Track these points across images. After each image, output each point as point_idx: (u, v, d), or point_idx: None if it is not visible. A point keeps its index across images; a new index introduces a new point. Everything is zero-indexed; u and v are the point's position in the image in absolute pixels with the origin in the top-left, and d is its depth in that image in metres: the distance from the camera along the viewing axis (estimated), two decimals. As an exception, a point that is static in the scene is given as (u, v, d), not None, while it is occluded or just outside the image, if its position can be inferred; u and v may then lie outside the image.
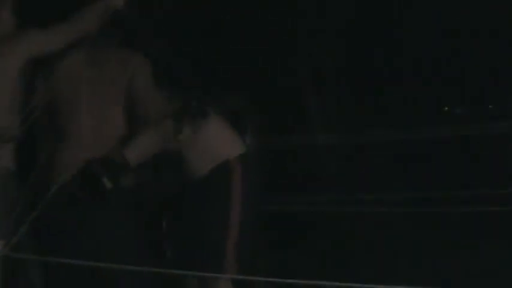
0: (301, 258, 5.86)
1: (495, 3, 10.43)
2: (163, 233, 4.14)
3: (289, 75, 11.09)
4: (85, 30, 3.32)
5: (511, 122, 9.05)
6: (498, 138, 8.73)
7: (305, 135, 10.46)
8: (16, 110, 3.30)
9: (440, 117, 12.56)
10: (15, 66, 3.27)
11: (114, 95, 3.41)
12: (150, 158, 3.53)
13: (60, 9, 3.36)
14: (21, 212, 3.20)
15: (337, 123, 10.82)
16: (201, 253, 3.67)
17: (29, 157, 3.49)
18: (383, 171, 9.75)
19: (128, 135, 3.43)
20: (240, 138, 3.94)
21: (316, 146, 10.38)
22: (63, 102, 3.42)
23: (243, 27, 10.28)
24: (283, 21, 10.78)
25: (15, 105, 3.30)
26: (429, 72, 11.88)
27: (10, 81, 3.27)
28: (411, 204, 6.29)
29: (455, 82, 12.01)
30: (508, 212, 5.36)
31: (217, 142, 3.74)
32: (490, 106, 12.87)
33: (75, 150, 3.39)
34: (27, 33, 3.32)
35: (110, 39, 3.48)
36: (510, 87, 11.25)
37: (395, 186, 7.33)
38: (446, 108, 13.18)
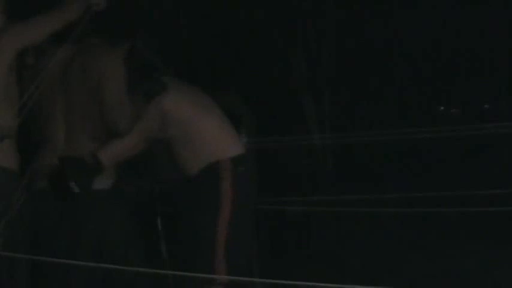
0: (299, 258, 5.85)
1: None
2: (159, 233, 4.10)
3: (287, 75, 11.09)
4: (67, 21, 3.31)
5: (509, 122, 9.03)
6: (496, 138, 8.71)
7: (303, 135, 10.44)
8: (10, 106, 3.27)
9: (437, 117, 12.57)
10: (5, 61, 3.25)
11: (86, 97, 3.37)
12: (125, 160, 3.50)
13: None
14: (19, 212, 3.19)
15: (335, 123, 10.83)
16: (192, 253, 3.64)
17: (28, 157, 3.46)
18: (381, 171, 9.76)
19: (103, 137, 3.39)
20: (236, 139, 3.90)
21: (314, 146, 10.36)
22: (42, 103, 3.40)
23: (240, 26, 10.27)
24: (281, 20, 10.78)
25: (9, 101, 3.28)
26: (426, 72, 11.89)
27: (1, 77, 3.24)
28: (409, 204, 6.27)
29: (452, 82, 12.01)
30: (508, 212, 5.33)
31: (210, 142, 3.69)
32: (486, 106, 12.89)
33: (55, 151, 3.36)
34: (13, 26, 3.30)
35: (83, 41, 3.46)
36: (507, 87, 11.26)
37: (393, 186, 7.31)
38: (442, 107, 13.20)
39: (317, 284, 2.45)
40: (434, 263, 5.49)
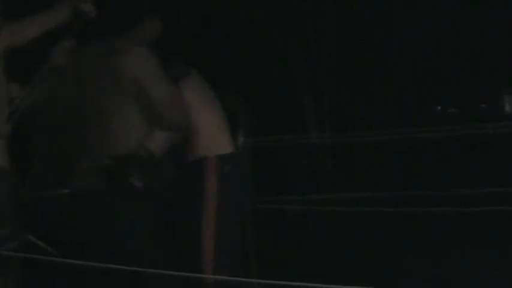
0: (298, 257, 5.84)
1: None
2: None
3: (287, 75, 11.09)
4: (54, 24, 3.29)
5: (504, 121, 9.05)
6: (495, 138, 8.72)
7: (303, 135, 10.47)
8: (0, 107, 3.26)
9: (433, 116, 12.58)
10: None
11: (118, 96, 3.34)
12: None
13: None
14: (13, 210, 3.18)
15: (335, 123, 10.83)
16: (181, 249, 3.63)
17: (21, 156, 3.45)
18: (380, 170, 9.75)
19: (144, 126, 3.35)
20: (230, 138, 3.90)
21: (314, 145, 10.38)
22: (67, 102, 3.36)
23: (240, 26, 10.27)
24: (281, 20, 10.78)
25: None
26: (425, 72, 11.89)
27: None
28: (408, 204, 6.28)
29: (450, 82, 12.02)
30: (508, 212, 5.34)
31: (203, 136, 3.68)
32: (483, 105, 12.90)
33: (87, 149, 3.32)
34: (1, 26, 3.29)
35: (105, 37, 3.43)
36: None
37: (392, 186, 7.32)
38: (439, 107, 13.21)
39: (316, 285, 2.45)
40: (434, 263, 5.48)
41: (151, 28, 3.54)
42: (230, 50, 9.98)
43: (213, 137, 3.74)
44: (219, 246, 3.60)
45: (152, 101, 3.29)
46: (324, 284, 2.46)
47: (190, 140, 3.65)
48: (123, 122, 3.31)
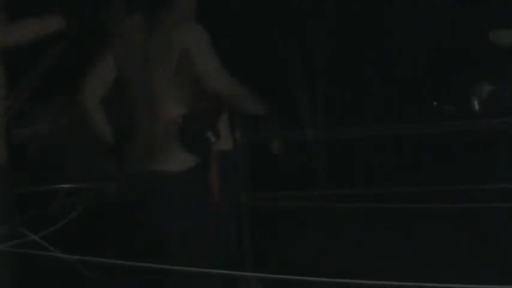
0: (295, 253, 5.84)
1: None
2: None
3: (281, 72, 11.09)
4: (46, 30, 3.31)
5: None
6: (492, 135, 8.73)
7: (296, 131, 10.49)
8: None
9: (430, 113, 12.59)
10: None
11: (170, 68, 3.29)
12: None
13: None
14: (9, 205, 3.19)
15: (328, 120, 10.84)
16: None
17: (18, 152, 3.45)
18: (378, 167, 9.76)
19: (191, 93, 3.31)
20: (230, 134, 3.91)
21: (306, 142, 10.38)
22: (130, 74, 3.32)
23: (236, 24, 10.27)
24: (276, 20, 10.78)
25: None
26: (418, 70, 11.91)
27: None
28: (406, 201, 6.28)
29: (444, 79, 12.04)
30: (504, 209, 5.33)
31: None
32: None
33: (149, 119, 3.27)
34: None
35: (162, 10, 3.38)
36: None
37: (390, 182, 7.32)
38: (435, 103, 13.22)
39: (311, 278, 2.45)
40: (433, 260, 5.48)
41: (186, 5, 3.52)
42: (230, 50, 9.99)
43: None
44: (214, 243, 3.60)
45: (201, 72, 3.27)
46: (320, 278, 2.46)
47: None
48: (173, 93, 3.27)
